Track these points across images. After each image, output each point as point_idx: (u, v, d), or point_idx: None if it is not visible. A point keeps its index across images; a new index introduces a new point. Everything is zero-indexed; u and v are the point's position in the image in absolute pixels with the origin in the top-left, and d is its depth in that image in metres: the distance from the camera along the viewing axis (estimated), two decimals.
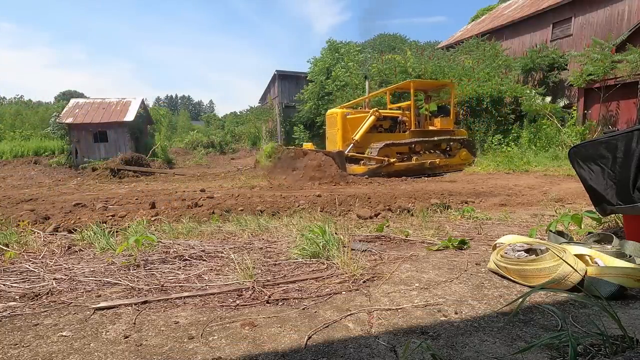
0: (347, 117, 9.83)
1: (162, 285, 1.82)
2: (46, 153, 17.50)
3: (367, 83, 12.61)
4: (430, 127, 10.82)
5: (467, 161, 10.65)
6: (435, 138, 10.23)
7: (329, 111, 10.85)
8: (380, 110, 10.04)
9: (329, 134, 10.46)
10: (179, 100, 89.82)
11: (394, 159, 9.18)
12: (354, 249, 2.30)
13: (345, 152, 8.99)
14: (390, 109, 11.23)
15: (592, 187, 2.13)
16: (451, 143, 10.52)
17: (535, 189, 5.99)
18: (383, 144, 9.17)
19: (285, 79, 25.30)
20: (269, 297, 1.65)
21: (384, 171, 8.94)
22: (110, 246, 2.45)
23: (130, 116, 16.31)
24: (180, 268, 2.10)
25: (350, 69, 18.65)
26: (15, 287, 1.83)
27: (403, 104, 11.24)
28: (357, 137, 9.27)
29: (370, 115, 9.59)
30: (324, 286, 1.78)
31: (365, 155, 9.15)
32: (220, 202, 4.84)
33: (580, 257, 1.65)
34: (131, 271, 2.03)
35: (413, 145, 9.84)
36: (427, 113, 11.19)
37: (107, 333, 1.35)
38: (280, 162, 10.56)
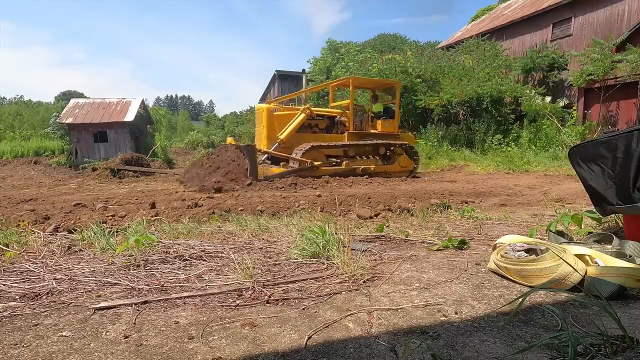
0: (275, 113, 8.69)
1: (162, 285, 1.82)
2: (46, 153, 17.50)
3: (304, 78, 12.27)
4: (372, 130, 9.69)
5: (407, 168, 9.57)
6: (370, 142, 9.06)
7: (256, 106, 9.76)
8: (312, 108, 9.03)
9: (256, 132, 9.32)
10: (179, 100, 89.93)
11: (319, 162, 8.07)
12: (354, 249, 2.30)
13: (259, 148, 7.78)
14: (332, 107, 10.17)
15: (592, 187, 2.13)
16: (391, 148, 9.39)
17: (535, 189, 5.99)
18: (309, 145, 8.06)
19: (285, 79, 25.33)
20: (269, 297, 1.65)
21: (307, 174, 7.74)
22: (111, 246, 2.45)
23: (130, 116, 16.28)
24: (180, 268, 2.10)
25: (350, 69, 18.65)
26: (15, 287, 1.83)
27: (343, 102, 10.13)
28: (282, 137, 8.18)
29: (301, 113, 8.55)
30: (324, 286, 1.78)
31: (287, 155, 8.02)
32: (220, 202, 4.83)
33: (580, 257, 1.66)
34: (131, 271, 2.03)
35: (347, 149, 8.72)
36: (371, 114, 10.07)
37: (107, 333, 1.35)
38: (197, 162, 8.91)
